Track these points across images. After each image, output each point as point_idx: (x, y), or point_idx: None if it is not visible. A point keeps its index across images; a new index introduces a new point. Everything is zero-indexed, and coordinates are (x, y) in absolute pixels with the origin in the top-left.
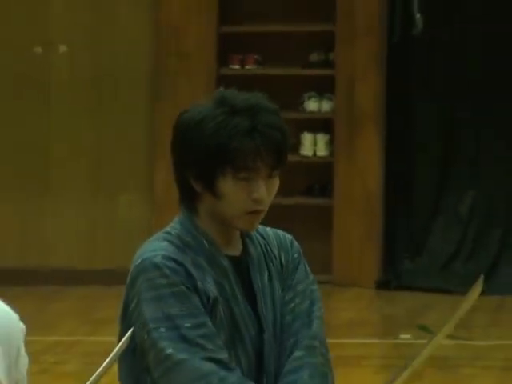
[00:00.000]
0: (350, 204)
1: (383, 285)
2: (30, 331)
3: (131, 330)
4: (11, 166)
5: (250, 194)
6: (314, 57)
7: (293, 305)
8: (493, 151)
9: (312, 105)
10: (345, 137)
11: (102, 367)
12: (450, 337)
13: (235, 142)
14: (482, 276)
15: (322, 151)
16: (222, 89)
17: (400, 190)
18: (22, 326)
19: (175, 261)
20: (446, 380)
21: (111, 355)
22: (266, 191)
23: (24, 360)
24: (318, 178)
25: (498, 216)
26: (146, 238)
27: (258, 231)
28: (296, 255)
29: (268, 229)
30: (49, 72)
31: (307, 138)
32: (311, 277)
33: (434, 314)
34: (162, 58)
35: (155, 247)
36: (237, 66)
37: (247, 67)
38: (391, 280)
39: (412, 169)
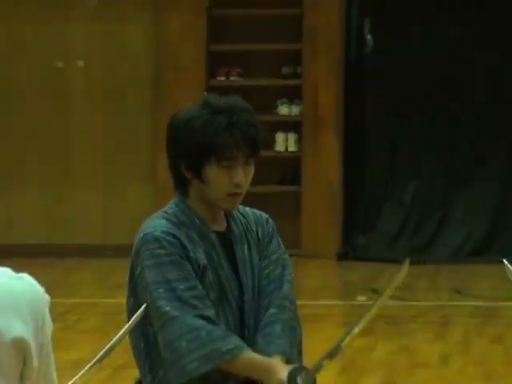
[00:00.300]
0: (315, 190)
1: (342, 256)
2: (56, 295)
3: (143, 306)
4: (38, 159)
5: (231, 179)
6: (286, 70)
7: (268, 271)
8: (432, 149)
9: (284, 109)
10: (310, 135)
11: (118, 336)
12: (398, 298)
13: (218, 137)
14: (408, 258)
15: (292, 147)
16: (205, 93)
17: (355, 179)
18: (46, 297)
19: (172, 235)
20: (394, 333)
21: (127, 325)
22: (244, 176)
23: (48, 326)
24: (289, 170)
25: (436, 201)
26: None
27: (239, 211)
28: (270, 230)
29: (247, 209)
30: (68, 82)
31: (280, 136)
32: (283, 248)
33: (384, 280)
34: (161, 71)
35: (155, 224)
36: (222, 78)
37: (231, 79)
38: (349, 252)
39: (365, 162)
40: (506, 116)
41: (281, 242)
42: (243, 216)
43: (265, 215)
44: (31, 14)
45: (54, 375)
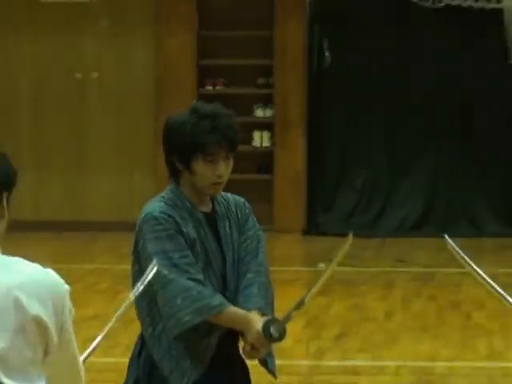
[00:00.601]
0: (284, 178)
1: (306, 231)
2: (77, 261)
3: (154, 262)
4: (63, 150)
5: (214, 171)
6: (260, 80)
7: (245, 244)
8: (378, 144)
9: (259, 112)
10: (281, 133)
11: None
12: (351, 265)
13: (203, 138)
14: (351, 233)
15: (266, 143)
16: (196, 102)
17: (317, 169)
18: (66, 287)
19: (168, 214)
20: (348, 294)
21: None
22: (225, 168)
23: (68, 310)
24: (264, 161)
25: (381, 186)
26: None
27: (221, 196)
28: (247, 211)
29: (229, 194)
30: (85, 89)
31: (256, 134)
32: (258, 225)
33: (338, 249)
34: (160, 81)
35: (154, 206)
36: (210, 87)
37: (217, 88)
38: (312, 228)
39: (324, 154)
40: (437, 118)
41: (256, 221)
42: (225, 200)
43: (242, 199)
44: (57, 33)
45: (76, 351)
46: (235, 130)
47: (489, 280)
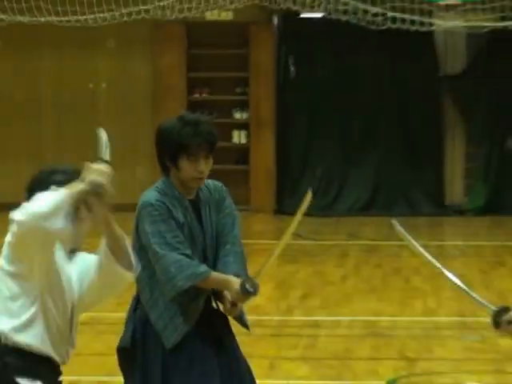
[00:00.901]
0: (258, 168)
1: (276, 211)
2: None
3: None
4: (78, 149)
5: (196, 167)
6: (238, 89)
7: (223, 221)
8: (335, 139)
9: (238, 115)
10: (255, 132)
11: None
12: (312, 239)
13: (187, 141)
14: (309, 190)
15: (243, 140)
16: (184, 111)
17: (284, 161)
18: None
19: (161, 202)
20: (311, 262)
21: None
22: (205, 165)
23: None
24: (241, 155)
25: (336, 174)
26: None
27: (204, 184)
28: (224, 194)
29: (209, 181)
30: (96, 97)
31: (235, 133)
32: (234, 206)
33: (304, 227)
34: (157, 90)
35: (150, 195)
36: (197, 95)
37: (203, 95)
38: (280, 208)
39: (290, 149)
40: (380, 119)
41: (232, 202)
42: (206, 187)
43: (220, 184)
44: (73, 52)
45: None
46: (214, 134)
47: (426, 254)
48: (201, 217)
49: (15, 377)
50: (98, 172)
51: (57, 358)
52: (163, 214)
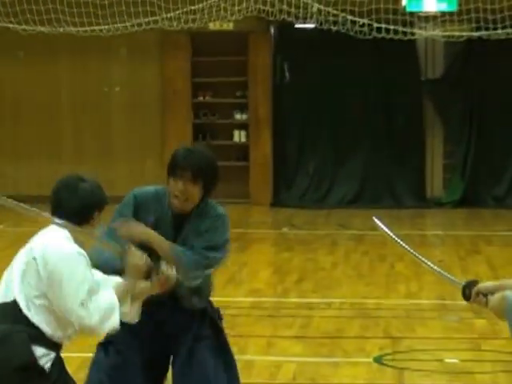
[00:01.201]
0: (257, 165)
1: (273, 204)
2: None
3: None
4: (94, 145)
5: (176, 187)
6: (238, 93)
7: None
8: (324, 138)
9: (238, 116)
10: (253, 132)
11: None
12: (306, 229)
13: (175, 163)
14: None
15: (243, 139)
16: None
17: (280, 157)
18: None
19: (144, 198)
20: (304, 250)
21: None
22: (183, 188)
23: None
24: (242, 152)
25: (328, 171)
26: (159, 182)
27: (208, 214)
28: (215, 223)
29: (215, 209)
30: (110, 99)
31: (236, 132)
32: (223, 237)
33: (298, 218)
34: (165, 93)
35: (144, 188)
36: (201, 98)
37: (206, 98)
38: (277, 201)
39: (285, 147)
40: (367, 120)
41: (223, 231)
42: (205, 215)
43: (219, 212)
44: (90, 58)
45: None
46: (201, 165)
47: (403, 244)
48: (181, 230)
49: (35, 346)
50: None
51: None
52: (129, 203)
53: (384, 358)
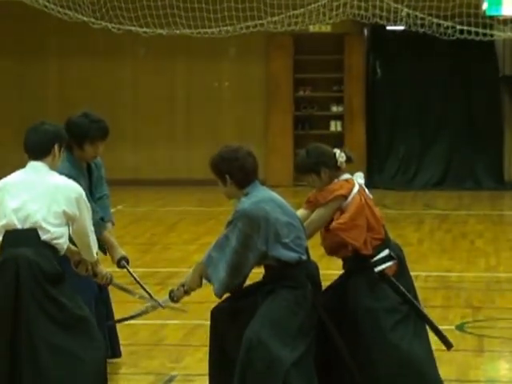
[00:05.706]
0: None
1: (367, 186)
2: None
3: None
4: (203, 138)
5: (95, 151)
6: (335, 88)
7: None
8: (413, 126)
9: (334, 108)
10: (348, 122)
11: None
12: (396, 209)
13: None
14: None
15: (339, 128)
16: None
17: (373, 145)
18: (78, 189)
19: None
20: (393, 227)
21: None
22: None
23: (82, 207)
24: (338, 141)
25: (414, 155)
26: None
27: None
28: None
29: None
30: (221, 94)
31: (332, 123)
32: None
33: (389, 199)
34: (270, 88)
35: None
36: (302, 92)
37: (307, 92)
38: (370, 184)
39: (377, 136)
40: (453, 111)
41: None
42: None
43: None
44: (202, 57)
45: (90, 236)
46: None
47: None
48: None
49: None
50: None
51: None
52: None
53: (465, 326)
